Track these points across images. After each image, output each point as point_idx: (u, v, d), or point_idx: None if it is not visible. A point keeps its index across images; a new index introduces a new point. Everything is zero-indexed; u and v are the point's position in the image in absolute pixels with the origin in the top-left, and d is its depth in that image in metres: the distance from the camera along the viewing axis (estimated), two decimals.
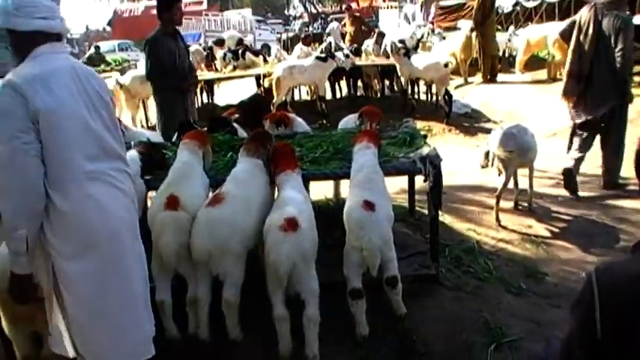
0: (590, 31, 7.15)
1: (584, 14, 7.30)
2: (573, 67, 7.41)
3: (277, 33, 33.57)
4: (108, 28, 47.97)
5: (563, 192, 7.42)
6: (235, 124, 6.45)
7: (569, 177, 7.41)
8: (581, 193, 7.36)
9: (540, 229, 6.43)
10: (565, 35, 7.67)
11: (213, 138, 5.55)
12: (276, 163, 4.42)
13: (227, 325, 4.03)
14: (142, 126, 12.90)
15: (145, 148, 4.90)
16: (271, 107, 11.76)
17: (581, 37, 7.26)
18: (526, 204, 6.94)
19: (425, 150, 4.85)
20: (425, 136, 5.56)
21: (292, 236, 3.72)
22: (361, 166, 4.37)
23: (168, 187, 4.22)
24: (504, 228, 6.44)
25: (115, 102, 12.29)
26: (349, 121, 6.33)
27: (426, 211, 6.37)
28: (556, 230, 6.38)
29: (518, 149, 6.42)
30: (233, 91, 15.71)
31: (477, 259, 5.45)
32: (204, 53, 15.76)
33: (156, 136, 6.72)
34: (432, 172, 4.44)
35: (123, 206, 3.14)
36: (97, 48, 27.40)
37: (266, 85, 12.30)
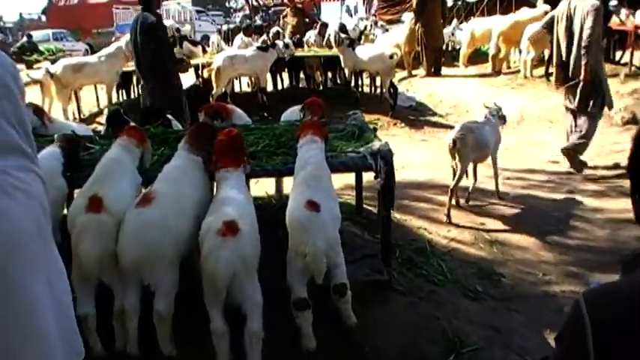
0: (564, 21, 7.61)
1: (561, 6, 7.74)
2: (556, 57, 8.00)
3: (218, 24, 32.86)
4: (43, 17, 46.31)
5: (509, 189, 7.18)
6: (169, 116, 5.96)
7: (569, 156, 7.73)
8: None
9: (493, 226, 6.15)
10: (547, 28, 8.21)
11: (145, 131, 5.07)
12: (218, 157, 3.96)
13: (159, 340, 3.54)
14: (75, 118, 12.21)
15: (68, 142, 4.34)
16: (210, 99, 11.29)
17: (558, 28, 7.75)
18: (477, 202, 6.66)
19: (375, 144, 4.43)
20: (375, 129, 5.16)
21: (232, 242, 3.29)
22: (305, 162, 3.92)
23: (91, 187, 3.69)
24: (456, 226, 6.14)
25: (46, 93, 11.79)
26: (292, 113, 5.89)
27: (374, 209, 6.01)
28: (508, 228, 6.11)
29: (473, 141, 6.32)
30: None
31: (429, 261, 5.09)
32: None
33: (84, 129, 6.12)
34: (384, 168, 4.03)
35: (26, 212, 2.60)
36: (30, 37, 26.38)
37: (205, 75, 11.75)
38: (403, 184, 7.43)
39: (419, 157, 8.93)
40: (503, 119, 7.05)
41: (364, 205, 6.08)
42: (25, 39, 24.40)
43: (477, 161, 6.74)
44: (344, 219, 4.99)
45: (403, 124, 11.33)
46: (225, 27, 25.57)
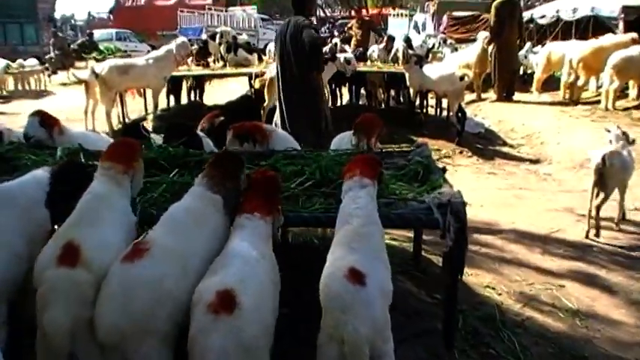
0: None
1: None
2: None
3: None
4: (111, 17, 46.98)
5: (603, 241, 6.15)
6: (201, 133, 5.16)
7: None
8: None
9: (575, 289, 5.12)
10: None
11: (163, 149, 4.28)
12: (245, 199, 3.17)
13: None
14: (120, 123, 11.64)
15: (64, 166, 3.55)
16: (261, 112, 10.52)
17: None
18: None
19: (444, 192, 3.50)
20: (444, 170, 4.19)
21: (226, 321, 2.48)
22: (350, 215, 3.05)
23: (66, 231, 2.90)
24: (531, 285, 5.14)
25: (90, 94, 11.23)
26: (344, 138, 5.01)
27: (434, 258, 5.11)
28: (596, 292, 5.08)
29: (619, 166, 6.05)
30: (226, 90, 14.41)
31: (499, 333, 4.16)
32: (195, 47, 14.34)
33: (104, 143, 5.34)
34: (454, 226, 3.12)
35: None
36: (91, 35, 26.44)
37: (256, 86, 10.94)
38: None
39: (486, 193, 7.92)
40: (633, 143, 6.50)
41: (423, 253, 5.16)
42: (85, 37, 24.22)
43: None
44: (396, 272, 4.12)
45: (470, 154, 10.25)
46: None
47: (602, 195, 6.16)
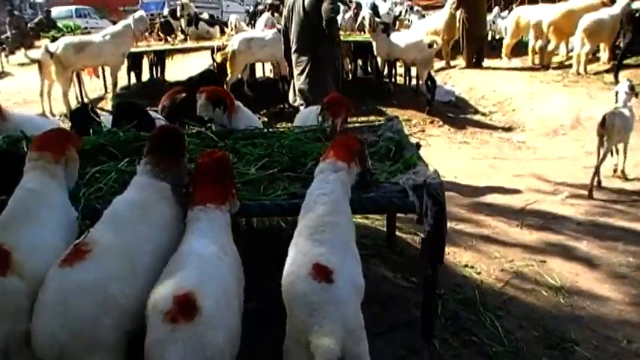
0: None
1: None
2: None
3: (247, 6, 31.67)
4: None
5: (573, 213, 5.93)
6: (155, 114, 4.78)
7: None
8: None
9: (558, 263, 4.88)
10: None
11: (113, 134, 3.90)
12: (194, 188, 2.80)
13: None
14: (78, 103, 11.15)
15: None
16: (224, 86, 10.11)
17: None
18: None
19: (420, 171, 3.17)
20: (418, 146, 3.85)
21: (186, 330, 2.15)
22: (314, 201, 2.71)
23: None
24: (511, 262, 4.88)
25: (45, 74, 10.68)
26: (310, 113, 4.66)
27: (409, 237, 4.84)
28: (578, 268, 4.84)
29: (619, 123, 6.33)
30: (188, 65, 13.89)
31: (480, 318, 3.88)
32: (157, 22, 13.81)
33: (50, 126, 4.94)
34: (432, 210, 2.81)
35: None
36: (48, 12, 25.52)
37: (218, 60, 10.50)
38: None
39: (460, 163, 7.65)
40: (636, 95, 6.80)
41: (397, 233, 4.87)
42: (43, 15, 23.36)
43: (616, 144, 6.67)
44: (370, 255, 3.84)
45: (441, 123, 9.98)
46: (253, 8, 24.34)
47: (602, 152, 6.40)
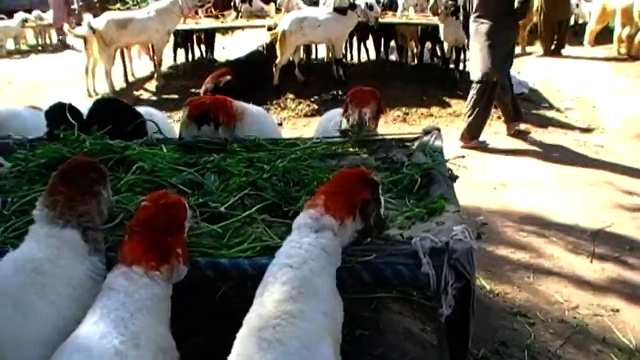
0: None
1: None
2: None
3: None
4: None
5: None
6: (155, 112, 4.03)
7: None
8: None
9: (633, 315, 3.92)
10: None
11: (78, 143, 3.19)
12: (123, 241, 2.06)
13: None
14: (125, 82, 10.66)
15: None
16: (273, 69, 9.33)
17: None
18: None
19: (445, 225, 2.25)
20: (452, 178, 2.89)
21: None
22: (273, 276, 1.88)
23: None
24: (575, 309, 3.94)
25: (89, 51, 10.15)
26: (332, 119, 3.84)
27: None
28: None
29: None
30: (244, 44, 13.17)
31: None
32: None
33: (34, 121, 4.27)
34: (454, 286, 1.93)
35: None
36: None
37: (268, 40, 9.72)
38: (499, 214, 5.31)
39: (524, 168, 6.63)
40: None
41: None
42: None
43: None
44: (391, 300, 3.03)
45: None
46: None
47: None
